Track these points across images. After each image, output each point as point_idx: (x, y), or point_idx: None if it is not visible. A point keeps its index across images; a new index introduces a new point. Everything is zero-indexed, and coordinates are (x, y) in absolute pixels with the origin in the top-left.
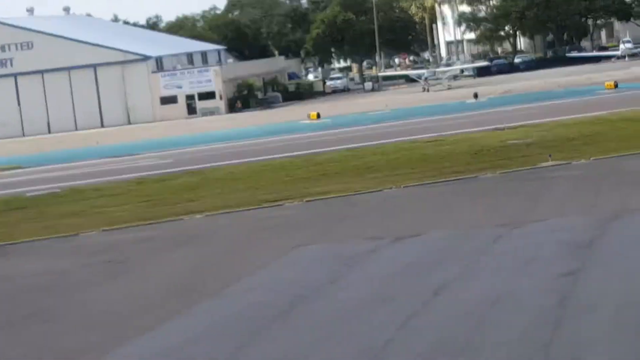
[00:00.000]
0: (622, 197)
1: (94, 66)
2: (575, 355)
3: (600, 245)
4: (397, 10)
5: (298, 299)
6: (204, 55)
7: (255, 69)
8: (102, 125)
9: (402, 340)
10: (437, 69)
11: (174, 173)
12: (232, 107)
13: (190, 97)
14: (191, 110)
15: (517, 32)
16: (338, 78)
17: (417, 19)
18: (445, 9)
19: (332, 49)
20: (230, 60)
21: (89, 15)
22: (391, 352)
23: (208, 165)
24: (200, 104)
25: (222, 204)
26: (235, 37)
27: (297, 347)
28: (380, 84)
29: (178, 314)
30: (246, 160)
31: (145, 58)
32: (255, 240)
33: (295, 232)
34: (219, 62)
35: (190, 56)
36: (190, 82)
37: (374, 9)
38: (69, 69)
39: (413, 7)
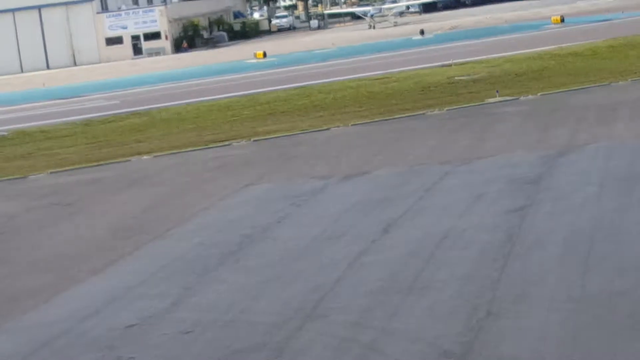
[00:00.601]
0: (570, 133)
1: (39, 7)
2: (523, 291)
3: (547, 181)
4: None
5: (246, 239)
6: None
7: (200, 9)
8: (48, 67)
9: (352, 278)
10: (383, 6)
11: (120, 114)
12: (178, 47)
13: (135, 38)
14: (137, 50)
15: None
16: (284, 16)
17: None
18: None
19: None
20: (176, 0)
21: None
22: (341, 290)
23: (154, 106)
24: (145, 45)
25: (169, 144)
26: None
27: (245, 287)
28: (326, 21)
29: (126, 256)
30: (193, 100)
31: None
32: (202, 181)
33: (243, 172)
34: (164, 2)
35: None
36: (135, 23)
37: None
38: (12, 10)
39: None
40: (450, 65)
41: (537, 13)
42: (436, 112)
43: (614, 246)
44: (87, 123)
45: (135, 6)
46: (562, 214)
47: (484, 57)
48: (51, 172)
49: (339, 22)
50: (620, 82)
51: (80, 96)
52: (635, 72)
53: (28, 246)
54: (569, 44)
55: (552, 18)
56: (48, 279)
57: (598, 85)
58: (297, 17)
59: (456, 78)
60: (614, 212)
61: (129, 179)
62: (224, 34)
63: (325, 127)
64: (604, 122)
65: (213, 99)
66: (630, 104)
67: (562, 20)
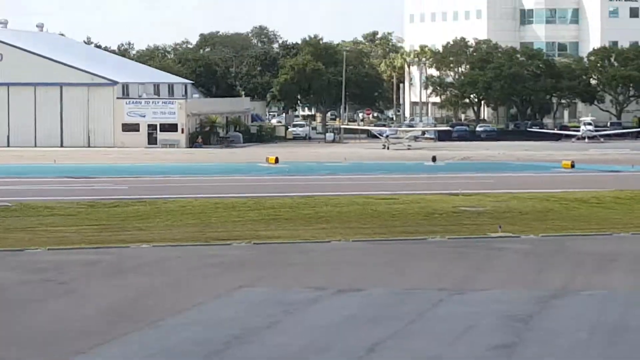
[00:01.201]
0: (566, 277)
1: (61, 85)
2: None
3: (538, 321)
4: (366, 66)
5: (234, 340)
6: (170, 87)
7: (219, 107)
8: (62, 145)
9: None
10: (400, 128)
11: (126, 200)
12: (192, 142)
13: (152, 127)
14: (152, 140)
15: (482, 102)
16: (301, 125)
17: (385, 76)
18: (414, 70)
19: (298, 96)
20: (197, 95)
21: (62, 34)
22: None
23: (162, 196)
24: (161, 135)
25: (170, 236)
26: (203, 73)
27: None
28: (341, 136)
29: (112, 341)
30: (200, 195)
31: (113, 83)
32: (199, 276)
33: (240, 272)
34: (185, 95)
35: (157, 86)
36: (154, 112)
37: (344, 62)
38: (35, 84)
39: (383, 64)
40: (457, 194)
41: (548, 155)
42: (438, 238)
43: None
44: (92, 204)
45: (155, 96)
46: (549, 356)
47: (491, 191)
48: (49, 249)
49: (355, 138)
50: (622, 234)
51: (89, 177)
52: (638, 226)
53: (14, 320)
54: (575, 190)
55: (563, 162)
56: (26, 356)
57: (600, 234)
58: (314, 128)
59: (461, 208)
60: None
61: (126, 265)
62: (240, 134)
63: (326, 239)
64: (601, 270)
65: (220, 197)
66: (629, 256)
67: (573, 165)
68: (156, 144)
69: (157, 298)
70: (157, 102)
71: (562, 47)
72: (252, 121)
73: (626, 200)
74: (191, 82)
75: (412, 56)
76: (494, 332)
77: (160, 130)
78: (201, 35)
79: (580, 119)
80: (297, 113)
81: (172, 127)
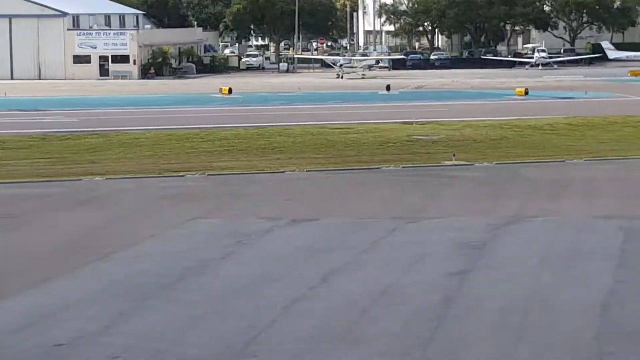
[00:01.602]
0: (518, 204)
1: (9, 17)
2: (453, 353)
3: (491, 248)
4: None
5: (187, 272)
6: (122, 18)
7: (172, 38)
8: (12, 77)
9: (285, 322)
10: (354, 57)
11: (78, 133)
12: (144, 74)
13: (103, 59)
14: (103, 72)
15: (436, 29)
16: (254, 55)
17: (339, 5)
18: None
19: (252, 26)
20: (148, 26)
21: None
22: (273, 332)
23: (114, 128)
24: (113, 67)
25: (123, 168)
26: (155, 3)
27: (178, 319)
28: (295, 65)
29: (65, 274)
30: (153, 127)
31: (63, 14)
32: (152, 209)
33: (193, 204)
34: (137, 26)
35: (108, 18)
36: (105, 44)
37: None
38: None
39: None
40: (411, 123)
41: (502, 83)
42: (392, 168)
43: (547, 318)
44: (44, 137)
45: (107, 27)
46: (501, 283)
47: (446, 119)
48: (1, 183)
49: (309, 67)
50: (575, 160)
51: (40, 110)
52: (591, 152)
53: None
54: (529, 117)
55: (517, 90)
56: None
57: (553, 161)
58: (267, 58)
59: (415, 137)
60: (551, 286)
61: (78, 198)
62: (193, 65)
63: (281, 170)
64: (553, 197)
65: (173, 129)
66: (581, 182)
67: (527, 93)
68: (108, 75)
69: (110, 231)
70: (108, 34)
71: None
72: (205, 52)
73: (579, 127)
74: (143, 12)
75: None
76: (447, 260)
77: (112, 62)
78: None
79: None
80: (250, 43)
81: (124, 59)
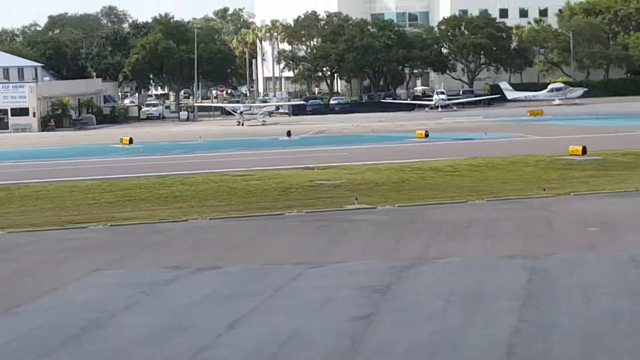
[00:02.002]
0: (421, 245)
1: None
2: None
3: (395, 291)
4: (218, 43)
5: (91, 324)
6: (20, 70)
7: (71, 89)
8: None
9: None
10: (254, 104)
11: None
12: (45, 126)
13: (2, 112)
14: (3, 125)
15: (335, 74)
16: (154, 105)
17: (237, 53)
18: (266, 45)
19: (151, 76)
20: (47, 78)
21: None
22: None
23: (15, 182)
24: (12, 120)
25: (25, 221)
26: (53, 55)
27: None
28: (195, 114)
29: None
30: (54, 179)
31: None
32: (55, 261)
33: (97, 255)
34: (35, 79)
35: (6, 71)
36: (4, 97)
37: (195, 40)
38: None
39: (234, 41)
40: (313, 168)
41: (402, 125)
42: (295, 213)
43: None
44: None
45: (5, 80)
46: (407, 325)
47: (347, 163)
48: None
49: (209, 115)
50: (477, 201)
51: None
52: (492, 192)
53: None
54: (430, 159)
55: (417, 132)
56: None
57: (455, 202)
58: (168, 107)
59: (317, 182)
60: (457, 327)
61: None
62: (93, 116)
63: (183, 218)
64: (456, 238)
65: (75, 180)
66: (482, 222)
67: (427, 135)
68: (8, 129)
69: (12, 285)
70: (7, 87)
71: (412, 18)
72: (104, 102)
73: (480, 167)
74: (41, 65)
75: (263, 31)
76: (352, 304)
77: (12, 115)
78: (50, 17)
79: (435, 89)
80: (150, 92)
81: (24, 111)
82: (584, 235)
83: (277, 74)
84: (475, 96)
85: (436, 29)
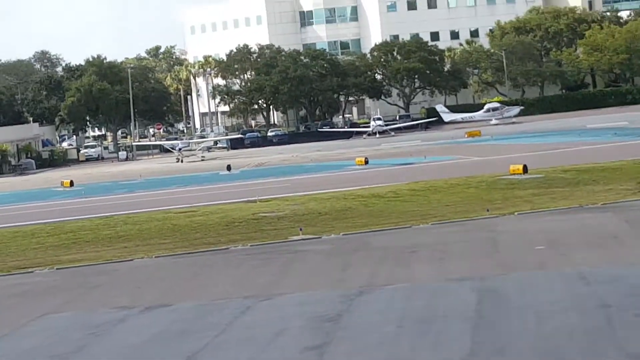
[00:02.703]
0: (369, 273)
1: None
2: None
3: (346, 319)
4: (152, 81)
5: None
6: None
7: (8, 135)
8: None
9: None
10: (191, 140)
11: None
12: None
13: None
14: None
15: (271, 106)
16: (92, 146)
17: (172, 90)
18: (200, 81)
19: (87, 117)
20: None
21: None
22: None
23: None
24: None
25: None
26: None
27: None
28: (134, 153)
29: None
30: None
31: None
32: (2, 307)
33: (44, 299)
34: None
35: None
36: None
37: (129, 79)
38: None
39: (168, 78)
40: (255, 201)
41: (341, 154)
42: (240, 247)
43: None
44: None
45: None
46: (360, 353)
47: (289, 194)
48: None
49: (148, 154)
50: (421, 225)
51: None
52: (436, 216)
53: None
54: (371, 186)
55: (357, 159)
56: None
57: (400, 227)
58: (106, 148)
59: (261, 214)
60: (410, 352)
61: None
62: (32, 161)
63: (129, 258)
64: (403, 263)
65: (17, 226)
66: (429, 247)
67: (367, 162)
68: None
69: None
70: None
71: (344, 45)
72: (43, 146)
73: (422, 191)
74: None
75: (196, 67)
76: (304, 334)
77: None
78: None
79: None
80: (87, 134)
81: None
82: (531, 254)
83: (212, 109)
84: (412, 120)
85: (369, 55)
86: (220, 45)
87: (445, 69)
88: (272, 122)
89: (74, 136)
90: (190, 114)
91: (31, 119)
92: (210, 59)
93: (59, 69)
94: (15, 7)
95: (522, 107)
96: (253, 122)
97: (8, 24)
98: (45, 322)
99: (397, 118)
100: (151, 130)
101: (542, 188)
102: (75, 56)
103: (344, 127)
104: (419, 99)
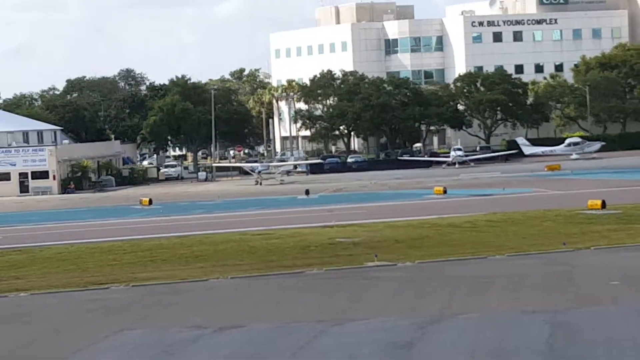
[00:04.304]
0: (442, 301)
1: None
2: None
3: (418, 347)
4: (235, 103)
5: None
6: (39, 134)
7: (90, 152)
8: None
9: None
10: (271, 163)
11: (1, 250)
12: (64, 188)
13: (23, 175)
14: (23, 188)
15: (352, 133)
16: (172, 166)
17: (254, 112)
18: (282, 105)
19: (169, 137)
20: (66, 141)
21: None
22: None
23: (37, 244)
24: (33, 183)
25: (48, 283)
26: (72, 118)
27: None
28: (214, 174)
29: None
30: (75, 241)
31: None
32: (78, 322)
33: (120, 316)
34: (55, 142)
35: (26, 134)
36: (24, 160)
37: (212, 100)
38: None
39: (251, 101)
40: (332, 226)
41: (420, 182)
42: (315, 271)
43: None
44: None
45: (25, 144)
46: None
47: (366, 221)
48: None
49: (227, 175)
50: (497, 256)
51: None
52: (512, 248)
53: None
54: (448, 215)
55: (435, 189)
56: None
57: (475, 258)
58: (186, 168)
59: (337, 240)
60: None
61: (4, 314)
62: (112, 178)
63: (204, 278)
64: (477, 293)
65: (96, 242)
66: (503, 278)
67: (445, 191)
68: (28, 192)
69: (37, 347)
70: (26, 150)
71: (428, 75)
72: (123, 164)
73: (499, 222)
74: (60, 128)
75: (279, 91)
76: None
77: (32, 178)
78: (68, 81)
79: (452, 146)
80: (168, 154)
81: (44, 174)
82: (605, 289)
83: (294, 133)
84: (492, 152)
85: (452, 85)
86: (304, 70)
87: (528, 102)
88: (352, 149)
89: (155, 155)
90: (271, 137)
91: (113, 136)
92: (294, 83)
93: (143, 87)
94: (105, 24)
95: (603, 143)
96: (333, 148)
97: (96, 42)
98: (120, 338)
99: (478, 149)
100: (231, 152)
101: (620, 224)
102: (159, 76)
103: (423, 156)
104: (500, 130)
